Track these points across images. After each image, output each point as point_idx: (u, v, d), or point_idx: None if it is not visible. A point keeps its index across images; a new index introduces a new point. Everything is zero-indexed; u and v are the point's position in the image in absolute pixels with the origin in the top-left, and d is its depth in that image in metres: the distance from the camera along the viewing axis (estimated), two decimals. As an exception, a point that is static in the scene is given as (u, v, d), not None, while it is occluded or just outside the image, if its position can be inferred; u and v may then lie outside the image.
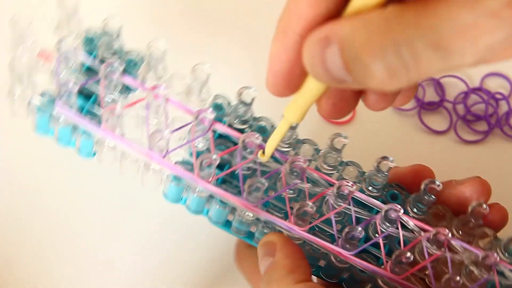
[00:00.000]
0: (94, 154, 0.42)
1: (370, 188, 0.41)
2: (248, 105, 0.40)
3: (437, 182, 0.40)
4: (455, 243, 0.39)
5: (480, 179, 0.42)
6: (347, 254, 0.38)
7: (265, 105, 0.42)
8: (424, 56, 0.25)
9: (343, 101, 0.34)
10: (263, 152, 0.39)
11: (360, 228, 0.37)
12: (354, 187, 0.38)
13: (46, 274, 0.49)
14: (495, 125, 0.57)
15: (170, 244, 0.50)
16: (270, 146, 0.38)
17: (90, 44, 0.43)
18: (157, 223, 0.51)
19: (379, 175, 0.40)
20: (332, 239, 0.39)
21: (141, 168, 0.41)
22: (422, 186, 0.40)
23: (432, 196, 0.40)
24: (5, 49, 0.42)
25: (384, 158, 0.40)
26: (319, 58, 0.28)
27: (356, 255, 0.38)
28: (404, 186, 0.42)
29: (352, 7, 0.27)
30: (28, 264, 0.49)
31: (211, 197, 0.40)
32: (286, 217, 0.38)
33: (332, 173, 0.41)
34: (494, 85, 0.60)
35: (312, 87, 0.31)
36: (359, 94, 0.34)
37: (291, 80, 0.31)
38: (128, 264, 0.49)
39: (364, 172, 0.42)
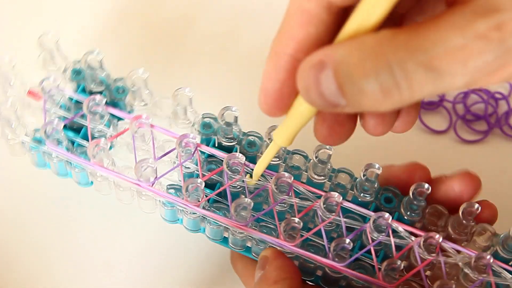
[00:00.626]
0: (91, 183, 0.43)
1: (362, 194, 0.41)
2: (231, 125, 0.41)
3: (426, 186, 0.39)
4: (447, 246, 0.39)
5: (469, 174, 0.42)
6: (339, 266, 0.38)
7: (252, 119, 0.42)
8: (415, 76, 0.26)
9: (339, 125, 0.34)
10: (251, 176, 0.39)
11: (348, 240, 0.37)
12: (341, 198, 0.38)
13: (45, 275, 0.49)
14: (494, 124, 0.56)
15: (169, 245, 0.51)
16: (258, 169, 0.39)
17: (78, 75, 0.44)
18: (156, 224, 0.51)
19: (367, 183, 0.40)
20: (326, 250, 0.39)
21: (134, 195, 0.42)
22: (411, 191, 0.39)
23: (423, 199, 0.39)
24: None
25: (370, 165, 0.40)
26: (314, 82, 0.28)
27: (349, 265, 0.38)
28: (400, 185, 0.42)
29: (346, 31, 0.28)
30: (28, 265, 0.49)
31: (203, 217, 0.40)
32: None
33: (324, 182, 0.41)
34: (494, 84, 0.58)
35: (302, 110, 0.31)
36: (355, 118, 0.34)
37: (282, 100, 0.32)
38: (127, 266, 0.50)
39: (357, 178, 0.42)
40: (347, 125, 0.34)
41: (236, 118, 0.41)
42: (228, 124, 0.41)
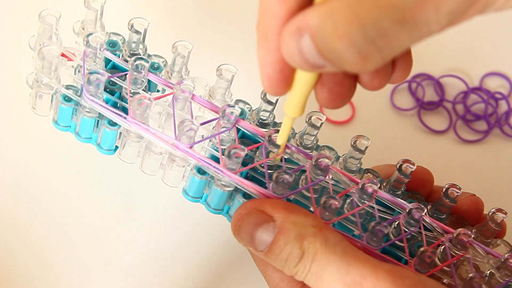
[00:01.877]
0: (116, 149, 0.42)
1: (390, 193, 0.41)
2: (272, 104, 0.41)
3: (458, 186, 0.40)
4: (477, 246, 0.39)
5: (475, 198, 0.43)
6: (374, 250, 0.38)
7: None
8: (392, 33, 0.26)
9: (338, 86, 0.34)
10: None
11: (385, 223, 0.37)
12: (378, 185, 0.38)
13: (45, 275, 0.47)
14: (494, 124, 0.58)
15: (169, 245, 0.49)
16: (281, 139, 0.39)
17: (112, 48, 0.43)
18: (156, 224, 0.50)
19: (402, 177, 0.40)
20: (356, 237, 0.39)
21: (164, 162, 0.41)
22: (443, 190, 0.40)
23: (453, 199, 0.40)
24: (29, 44, 0.43)
25: (406, 160, 0.40)
26: (296, 49, 0.28)
27: (380, 253, 0.38)
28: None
29: None
30: (27, 265, 0.48)
31: (234, 192, 0.39)
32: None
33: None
34: (494, 84, 0.61)
35: (301, 78, 0.32)
36: (353, 77, 0.34)
37: (285, 78, 0.32)
38: (127, 266, 0.48)
39: (383, 180, 0.42)
40: (347, 85, 0.34)
41: (277, 101, 0.41)
42: (270, 103, 0.41)
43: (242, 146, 0.38)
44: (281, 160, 0.40)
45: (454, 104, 0.59)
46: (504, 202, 0.54)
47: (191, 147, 0.38)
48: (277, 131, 0.39)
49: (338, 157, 0.42)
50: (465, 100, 0.59)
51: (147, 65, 0.40)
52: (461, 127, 0.58)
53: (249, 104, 0.43)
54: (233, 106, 0.39)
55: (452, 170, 0.56)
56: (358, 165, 0.41)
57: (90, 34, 0.41)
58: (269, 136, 0.39)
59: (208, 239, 0.50)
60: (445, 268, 0.38)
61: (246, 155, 0.39)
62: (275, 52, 0.31)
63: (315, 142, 0.42)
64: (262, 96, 0.41)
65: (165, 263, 0.49)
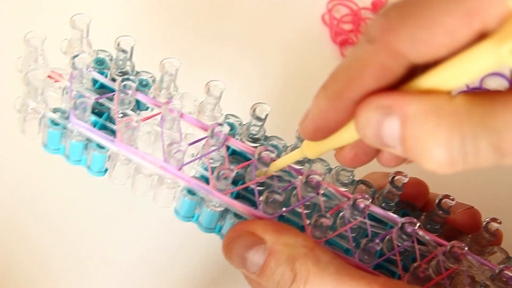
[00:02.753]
0: (105, 171, 0.42)
1: (383, 205, 0.41)
2: (262, 120, 0.41)
3: (451, 197, 0.40)
4: (471, 257, 0.39)
5: (473, 211, 0.43)
6: (366, 267, 0.37)
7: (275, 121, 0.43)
8: (483, 153, 0.26)
9: (365, 154, 0.34)
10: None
11: (377, 240, 0.37)
12: (370, 200, 0.38)
13: (45, 275, 0.48)
14: None
15: (169, 246, 0.50)
16: (275, 167, 0.39)
17: (100, 65, 0.43)
18: (156, 225, 0.50)
19: (394, 189, 0.40)
20: (346, 253, 0.38)
21: (154, 184, 0.40)
22: (436, 201, 0.40)
23: (447, 211, 0.40)
24: (16, 66, 0.42)
25: (398, 172, 0.40)
26: (376, 124, 0.28)
27: (373, 269, 0.38)
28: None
29: (418, 84, 0.27)
30: (27, 265, 0.48)
31: (224, 212, 0.39)
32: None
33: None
34: (494, 85, 0.61)
35: (344, 137, 0.31)
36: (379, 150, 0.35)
37: (329, 133, 0.31)
38: (127, 266, 0.48)
39: (376, 191, 0.42)
40: (371, 155, 0.35)
41: (266, 116, 0.41)
42: (259, 119, 0.40)
43: (231, 167, 0.37)
44: (272, 177, 0.39)
45: (454, 104, 0.59)
46: (503, 202, 0.54)
47: (180, 169, 0.38)
48: (267, 150, 0.39)
49: (330, 169, 0.42)
50: (465, 100, 0.59)
51: (134, 85, 0.40)
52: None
53: (239, 118, 0.43)
54: (222, 125, 0.39)
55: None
56: (350, 177, 0.41)
57: (76, 56, 0.40)
58: (259, 154, 0.39)
59: (208, 239, 0.50)
60: (440, 281, 0.38)
61: (237, 173, 0.39)
62: (341, 114, 0.30)
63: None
64: (252, 112, 0.40)
65: (165, 263, 0.49)
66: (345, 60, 0.30)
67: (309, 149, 0.35)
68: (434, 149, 0.27)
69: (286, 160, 0.38)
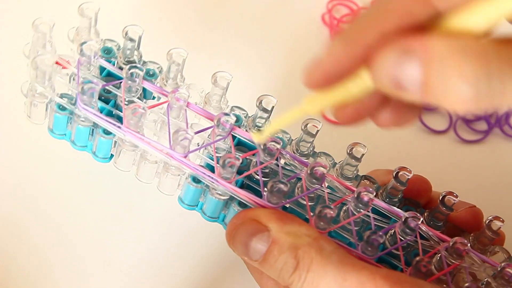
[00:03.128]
0: (111, 157, 0.42)
1: (387, 200, 0.41)
2: (268, 112, 0.41)
3: (455, 194, 0.40)
4: (473, 254, 0.39)
5: (475, 210, 0.43)
6: (369, 259, 0.37)
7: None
8: (509, 90, 0.26)
9: (365, 110, 0.33)
10: (259, 131, 0.38)
11: (381, 233, 0.37)
12: (374, 194, 0.38)
13: (45, 275, 0.47)
14: (494, 124, 0.58)
15: (169, 245, 0.50)
16: (272, 128, 0.37)
17: (107, 55, 0.43)
18: (156, 224, 0.50)
19: (398, 184, 0.40)
20: (350, 246, 0.38)
21: (159, 171, 0.40)
22: (439, 198, 0.40)
23: (450, 207, 0.40)
24: (24, 52, 0.43)
25: (402, 168, 0.40)
26: (394, 66, 0.27)
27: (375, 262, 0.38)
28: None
29: (445, 27, 0.27)
30: (28, 266, 0.48)
31: (229, 200, 0.39)
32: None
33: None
34: None
35: (352, 89, 0.30)
36: (380, 105, 0.33)
37: (335, 80, 0.31)
38: (127, 266, 0.48)
39: (380, 187, 0.42)
40: (372, 111, 0.33)
41: (272, 108, 0.41)
42: (265, 111, 0.41)
43: (237, 155, 0.37)
44: (277, 166, 0.39)
45: (454, 104, 0.59)
46: (503, 202, 0.54)
47: (185, 156, 0.38)
48: (274, 141, 0.39)
49: (334, 164, 0.42)
50: (466, 100, 0.59)
51: (141, 73, 0.40)
52: (461, 127, 0.58)
53: (245, 111, 0.43)
54: (228, 115, 0.39)
55: (452, 170, 0.56)
56: (354, 172, 0.41)
57: (84, 42, 0.40)
58: (265, 144, 0.39)
59: (208, 239, 0.50)
60: (441, 276, 0.38)
61: (242, 162, 0.39)
62: (354, 59, 0.29)
63: (311, 149, 0.42)
64: (258, 104, 0.41)
65: (165, 263, 0.49)
66: (367, 9, 0.29)
67: (309, 104, 0.33)
68: (460, 85, 0.26)
69: (285, 118, 0.35)
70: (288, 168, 0.40)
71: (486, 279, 0.39)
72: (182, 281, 0.48)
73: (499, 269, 0.38)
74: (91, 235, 0.49)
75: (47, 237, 0.49)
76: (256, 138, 0.38)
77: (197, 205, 0.41)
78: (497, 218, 0.40)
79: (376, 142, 0.56)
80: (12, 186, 0.51)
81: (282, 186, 0.37)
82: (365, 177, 0.42)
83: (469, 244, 0.38)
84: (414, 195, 0.43)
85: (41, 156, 0.52)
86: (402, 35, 0.27)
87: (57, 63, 0.42)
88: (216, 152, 0.40)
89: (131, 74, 0.40)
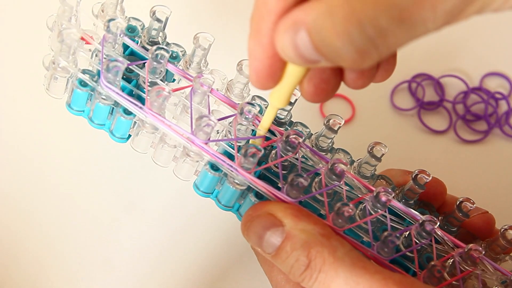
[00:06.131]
0: (128, 137, 0.41)
1: (402, 202, 0.41)
2: (290, 104, 0.40)
3: (472, 200, 0.40)
4: (486, 262, 0.39)
5: (488, 216, 0.43)
6: (383, 260, 0.37)
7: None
8: (389, 31, 0.26)
9: (324, 83, 0.34)
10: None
11: (398, 234, 0.37)
12: (392, 195, 0.38)
13: (45, 275, 0.47)
14: (494, 124, 0.58)
15: (169, 245, 0.50)
16: (263, 128, 0.38)
17: (131, 33, 0.43)
18: (156, 224, 0.50)
19: (416, 187, 0.40)
20: (365, 245, 0.38)
21: (177, 155, 0.40)
22: (456, 203, 0.40)
23: (466, 213, 0.40)
24: (47, 24, 0.42)
25: (422, 171, 0.40)
26: (291, 44, 0.28)
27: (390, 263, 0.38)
28: None
29: None
30: (28, 265, 0.48)
31: (246, 191, 0.39)
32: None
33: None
34: (494, 84, 0.61)
35: (291, 72, 0.32)
36: (339, 74, 0.34)
37: (273, 74, 0.32)
38: (127, 265, 0.48)
39: (395, 187, 0.42)
40: (332, 82, 0.34)
41: (295, 101, 0.40)
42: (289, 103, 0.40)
43: (259, 146, 0.37)
44: (296, 160, 0.39)
45: (454, 104, 0.59)
46: (503, 202, 0.54)
47: (207, 143, 0.38)
48: (296, 133, 0.38)
49: (352, 161, 0.42)
50: (465, 100, 0.59)
51: (167, 55, 0.39)
52: (461, 127, 0.58)
53: (266, 101, 0.43)
54: (253, 105, 0.39)
55: (452, 170, 0.56)
56: (372, 171, 0.41)
57: (112, 19, 0.40)
58: (287, 137, 0.38)
59: (209, 239, 0.50)
60: (453, 282, 0.38)
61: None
62: (267, 47, 0.30)
63: (330, 145, 0.41)
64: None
65: (166, 263, 0.49)
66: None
67: (275, 99, 0.35)
68: (340, 47, 0.27)
69: (265, 120, 0.38)
70: (306, 162, 0.40)
71: (496, 287, 0.39)
72: (183, 280, 0.48)
73: (511, 278, 0.38)
74: (91, 234, 0.49)
75: (47, 237, 0.49)
76: (254, 142, 0.39)
77: (212, 193, 0.40)
78: None
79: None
80: (12, 186, 0.50)
81: (302, 180, 0.37)
82: (382, 176, 0.42)
83: (483, 252, 0.38)
84: (429, 197, 0.43)
85: (42, 156, 0.51)
86: (287, 11, 0.29)
87: (82, 38, 0.41)
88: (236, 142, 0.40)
89: (157, 55, 0.39)
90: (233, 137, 0.39)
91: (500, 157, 0.57)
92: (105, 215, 0.50)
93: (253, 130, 0.40)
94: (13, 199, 0.50)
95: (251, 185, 0.38)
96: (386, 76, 0.35)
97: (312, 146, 0.41)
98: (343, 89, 0.34)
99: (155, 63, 0.39)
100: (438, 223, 0.38)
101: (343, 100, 0.59)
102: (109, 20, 0.40)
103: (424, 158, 0.56)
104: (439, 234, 0.39)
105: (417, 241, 0.38)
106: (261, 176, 0.40)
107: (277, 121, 0.41)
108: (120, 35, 0.41)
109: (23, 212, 0.49)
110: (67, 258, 0.48)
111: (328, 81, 0.34)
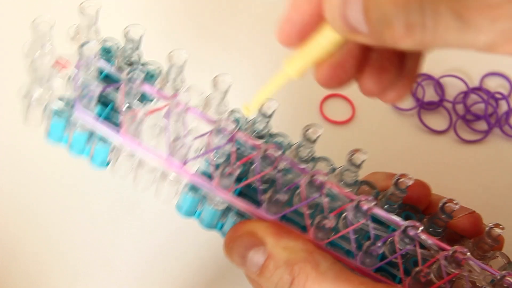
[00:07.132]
0: (108, 163, 0.41)
1: (386, 207, 0.41)
2: (268, 117, 0.40)
3: (455, 201, 0.40)
4: (472, 263, 0.39)
5: (474, 216, 0.43)
6: (367, 270, 0.37)
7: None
8: (443, 20, 0.26)
9: (342, 69, 0.34)
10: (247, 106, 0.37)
11: (380, 243, 0.37)
12: (374, 203, 0.38)
13: (45, 275, 0.48)
14: (494, 124, 0.57)
15: (170, 245, 0.50)
16: (259, 98, 0.35)
17: (106, 54, 0.43)
18: (156, 224, 0.50)
19: (398, 192, 0.40)
20: (348, 254, 0.38)
21: (156, 179, 0.40)
22: (439, 205, 0.40)
23: (450, 215, 0.40)
24: (22, 53, 0.42)
25: (403, 175, 0.40)
26: (340, 3, 0.28)
27: (374, 272, 0.38)
28: None
29: None
30: (28, 265, 0.48)
31: (227, 210, 0.39)
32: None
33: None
34: (494, 84, 0.61)
35: (322, 42, 0.31)
36: (359, 65, 0.34)
37: (306, 31, 0.31)
38: (127, 266, 0.48)
39: (379, 192, 0.42)
40: (350, 71, 0.34)
41: (273, 112, 0.40)
42: (265, 116, 0.40)
43: (237, 164, 0.37)
44: (278, 171, 0.39)
45: (454, 104, 0.59)
46: (503, 202, 0.54)
47: (184, 164, 0.38)
48: (275, 147, 0.38)
49: (334, 169, 0.42)
50: (465, 100, 0.59)
51: (142, 75, 0.39)
52: (461, 127, 0.58)
53: (241, 113, 0.42)
54: (229, 120, 0.39)
55: (452, 170, 0.56)
56: (354, 178, 0.41)
57: (84, 43, 0.40)
58: (265, 151, 0.38)
59: (209, 240, 0.50)
60: (441, 285, 0.38)
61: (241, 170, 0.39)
62: (313, 3, 0.30)
63: (311, 155, 0.41)
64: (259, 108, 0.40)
65: (165, 263, 0.49)
66: None
67: (289, 65, 0.33)
68: (393, 15, 0.26)
69: (268, 89, 0.34)
70: (288, 174, 0.40)
71: (485, 287, 0.39)
72: (182, 281, 0.48)
73: (498, 277, 0.38)
74: (91, 235, 0.49)
75: (47, 237, 0.49)
76: (246, 112, 0.36)
77: (195, 213, 0.40)
78: (497, 225, 0.40)
79: (376, 142, 0.56)
80: (12, 186, 0.50)
81: (281, 196, 0.37)
82: (365, 182, 0.42)
83: (468, 253, 0.38)
84: (414, 200, 0.42)
85: (41, 156, 0.52)
86: None
87: (57, 62, 0.41)
88: (216, 158, 0.40)
89: (131, 77, 0.39)
90: (210, 154, 0.39)
91: (500, 157, 0.57)
92: (105, 215, 0.50)
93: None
94: (13, 199, 0.50)
95: (230, 204, 0.38)
96: (397, 100, 0.35)
97: (294, 157, 0.41)
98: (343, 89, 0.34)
99: (130, 84, 0.39)
100: (421, 228, 0.38)
101: (343, 100, 0.58)
102: (82, 45, 0.40)
103: (424, 158, 0.56)
104: (423, 238, 0.39)
105: (401, 248, 0.38)
106: (242, 193, 0.40)
107: (257, 134, 0.41)
108: (95, 57, 0.41)
109: (23, 212, 0.50)
110: (67, 258, 0.48)
111: (346, 68, 0.33)
